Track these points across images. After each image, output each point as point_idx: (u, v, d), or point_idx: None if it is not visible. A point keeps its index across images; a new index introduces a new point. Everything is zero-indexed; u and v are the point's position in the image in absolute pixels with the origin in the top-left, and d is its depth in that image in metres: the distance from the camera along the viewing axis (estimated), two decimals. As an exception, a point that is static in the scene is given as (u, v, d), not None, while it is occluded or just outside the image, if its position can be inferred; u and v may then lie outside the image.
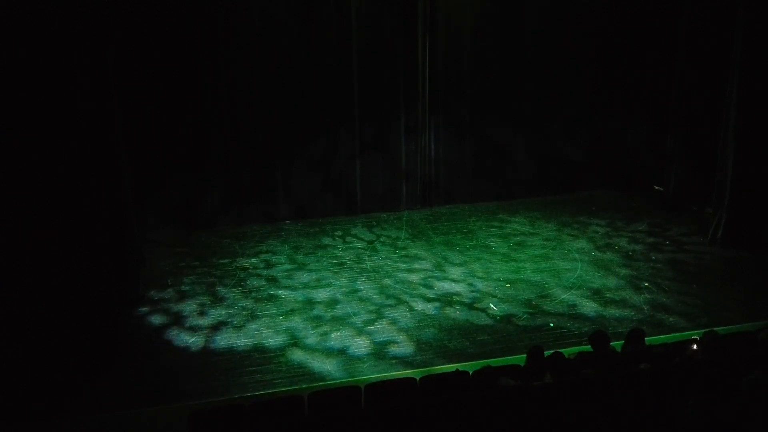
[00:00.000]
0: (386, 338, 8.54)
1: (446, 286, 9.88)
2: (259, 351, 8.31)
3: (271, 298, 9.59)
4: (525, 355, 6.49)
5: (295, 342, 8.49)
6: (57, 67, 8.53)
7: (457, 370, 6.70)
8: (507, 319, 8.97)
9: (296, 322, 8.95)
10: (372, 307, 9.29)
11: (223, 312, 9.21)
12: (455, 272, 10.33)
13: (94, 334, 8.68)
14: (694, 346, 6.42)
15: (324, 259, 10.85)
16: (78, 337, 8.54)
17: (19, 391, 7.46)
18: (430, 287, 9.86)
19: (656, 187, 13.19)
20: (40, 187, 8.67)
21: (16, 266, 8.62)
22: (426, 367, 7.87)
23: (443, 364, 7.90)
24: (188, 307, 9.36)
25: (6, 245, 8.53)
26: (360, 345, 8.40)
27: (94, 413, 7.12)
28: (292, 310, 9.25)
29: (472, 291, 9.73)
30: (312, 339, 8.54)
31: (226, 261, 10.77)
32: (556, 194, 13.40)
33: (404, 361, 8.05)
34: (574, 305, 9.27)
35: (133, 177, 10.23)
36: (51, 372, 7.83)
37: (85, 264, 9.07)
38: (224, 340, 8.54)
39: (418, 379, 6.68)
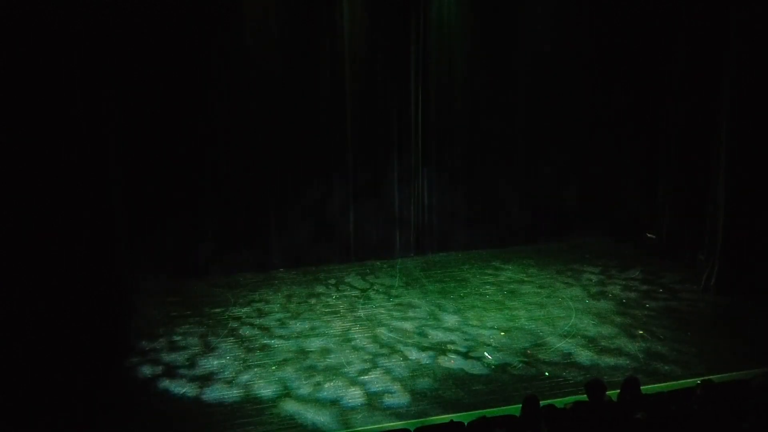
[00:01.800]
0: (380, 388, 8.44)
1: (440, 335, 9.81)
2: (251, 402, 8.19)
3: (264, 348, 9.50)
4: (520, 405, 6.42)
5: (287, 392, 8.38)
6: (52, 121, 8.58)
7: (451, 420, 6.63)
8: (502, 368, 8.90)
9: (289, 372, 8.85)
10: (366, 357, 9.21)
11: (215, 362, 9.11)
12: (449, 320, 10.28)
13: (85, 386, 8.53)
14: (698, 391, 6.44)
15: (317, 307, 10.79)
16: (68, 389, 8.39)
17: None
18: (425, 336, 9.80)
19: (649, 235, 13.25)
20: (33, 239, 8.61)
21: (4, 323, 8.49)
22: (421, 417, 7.76)
23: (438, 415, 7.79)
24: (180, 357, 9.26)
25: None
26: (353, 395, 8.30)
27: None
28: (285, 360, 9.15)
29: (467, 339, 9.67)
30: (305, 389, 8.43)
31: (218, 310, 10.70)
32: (549, 241, 13.43)
33: (398, 412, 7.94)
34: (570, 354, 9.21)
35: (126, 226, 10.22)
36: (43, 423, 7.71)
37: (75, 315, 8.97)
38: (216, 391, 8.42)
39: (413, 430, 6.60)
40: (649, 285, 11.47)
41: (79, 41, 8.74)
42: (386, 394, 8.30)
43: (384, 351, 9.35)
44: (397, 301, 11.02)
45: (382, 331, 9.91)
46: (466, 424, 6.38)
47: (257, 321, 10.32)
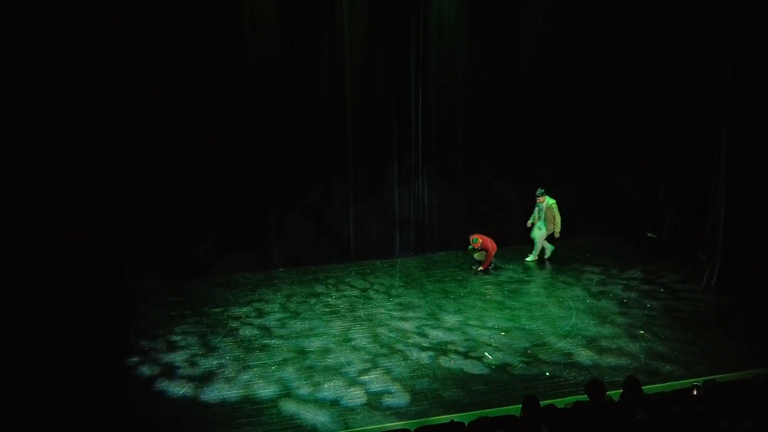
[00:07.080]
0: (380, 388, 8.42)
1: (441, 335, 9.80)
2: (250, 402, 8.18)
3: (264, 348, 9.48)
4: (521, 405, 6.40)
5: (287, 392, 8.37)
6: (52, 122, 8.56)
7: (452, 421, 6.61)
8: (502, 368, 8.88)
9: (289, 372, 8.84)
10: (366, 356, 9.19)
11: (215, 362, 9.09)
12: (450, 320, 10.26)
13: (85, 386, 8.52)
14: (695, 392, 6.43)
15: (317, 307, 10.78)
16: (68, 388, 8.38)
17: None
18: (425, 336, 9.78)
19: (650, 234, 13.24)
20: (33, 240, 8.60)
21: (5, 322, 8.49)
22: (421, 418, 7.75)
23: (438, 415, 7.77)
24: (179, 357, 9.25)
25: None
26: (353, 395, 8.28)
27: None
28: (285, 360, 9.14)
29: (467, 339, 9.65)
30: (305, 389, 8.42)
31: (218, 310, 10.68)
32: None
33: (399, 412, 7.92)
34: (570, 354, 9.19)
35: (126, 226, 10.20)
36: (43, 422, 7.69)
37: (76, 315, 8.96)
38: (215, 390, 8.40)
39: (413, 430, 6.58)
40: (650, 285, 11.45)
41: (79, 42, 8.72)
42: (386, 394, 8.28)
43: (384, 351, 9.33)
44: (397, 301, 11.00)
45: (382, 331, 9.90)
46: (466, 424, 6.37)
47: (257, 321, 10.31)
